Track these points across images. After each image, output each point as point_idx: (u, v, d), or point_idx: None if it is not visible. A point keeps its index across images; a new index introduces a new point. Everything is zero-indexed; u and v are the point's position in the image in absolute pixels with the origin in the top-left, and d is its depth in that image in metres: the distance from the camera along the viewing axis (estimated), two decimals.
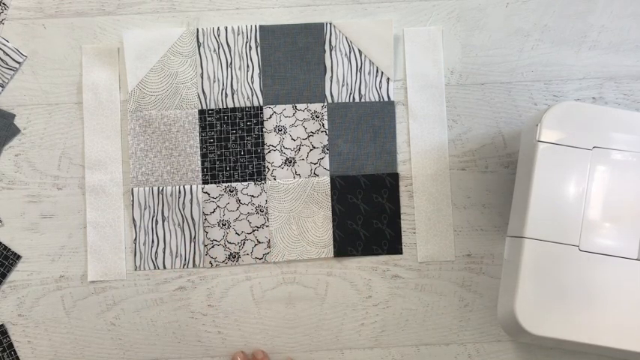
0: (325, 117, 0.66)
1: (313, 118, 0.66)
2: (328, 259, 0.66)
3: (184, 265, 0.65)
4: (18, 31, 0.66)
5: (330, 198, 0.66)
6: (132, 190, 0.65)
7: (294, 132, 0.66)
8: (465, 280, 0.65)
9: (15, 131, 0.66)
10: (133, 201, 0.65)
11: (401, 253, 0.65)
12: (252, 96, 0.66)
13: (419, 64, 0.67)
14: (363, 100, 0.66)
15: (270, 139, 0.66)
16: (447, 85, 0.67)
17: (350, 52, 0.66)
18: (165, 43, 0.66)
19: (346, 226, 0.65)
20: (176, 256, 0.65)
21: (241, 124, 0.66)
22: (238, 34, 0.66)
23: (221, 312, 0.65)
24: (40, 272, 0.65)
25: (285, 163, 0.66)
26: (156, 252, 0.65)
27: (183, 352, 0.65)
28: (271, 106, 0.66)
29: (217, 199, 0.65)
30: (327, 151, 0.66)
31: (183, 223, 0.65)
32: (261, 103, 0.66)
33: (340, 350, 0.65)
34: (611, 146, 0.55)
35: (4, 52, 0.66)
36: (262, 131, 0.66)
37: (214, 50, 0.66)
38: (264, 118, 0.66)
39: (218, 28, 0.66)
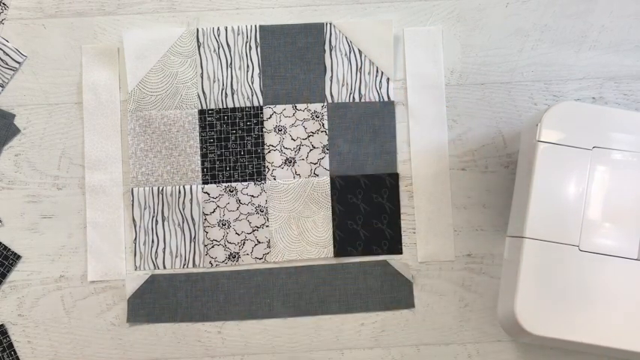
0: (325, 117, 0.66)
1: (313, 118, 0.66)
2: (328, 258, 0.66)
3: (184, 265, 0.65)
4: (18, 31, 0.66)
5: (330, 198, 0.66)
6: (132, 190, 0.65)
7: (294, 132, 0.66)
8: (465, 280, 0.65)
9: (15, 131, 0.66)
10: (132, 201, 0.65)
11: (401, 253, 0.65)
12: (252, 96, 0.66)
13: (419, 64, 0.67)
14: (363, 100, 0.66)
15: (270, 139, 0.66)
16: (447, 85, 0.67)
17: (350, 52, 0.66)
18: (165, 43, 0.66)
19: (346, 226, 0.65)
20: (176, 256, 0.65)
21: (241, 124, 0.66)
22: (238, 34, 0.66)
23: None
24: (40, 272, 0.65)
25: (285, 163, 0.66)
26: (156, 252, 0.65)
27: (183, 352, 0.65)
28: (271, 106, 0.66)
29: (217, 199, 0.65)
30: (327, 151, 0.66)
31: (183, 223, 0.65)
32: (261, 103, 0.66)
33: (340, 350, 0.65)
34: (611, 146, 0.55)
35: (4, 52, 0.66)
36: (262, 131, 0.66)
37: (214, 50, 0.66)
38: (264, 118, 0.66)
39: (218, 28, 0.66)
